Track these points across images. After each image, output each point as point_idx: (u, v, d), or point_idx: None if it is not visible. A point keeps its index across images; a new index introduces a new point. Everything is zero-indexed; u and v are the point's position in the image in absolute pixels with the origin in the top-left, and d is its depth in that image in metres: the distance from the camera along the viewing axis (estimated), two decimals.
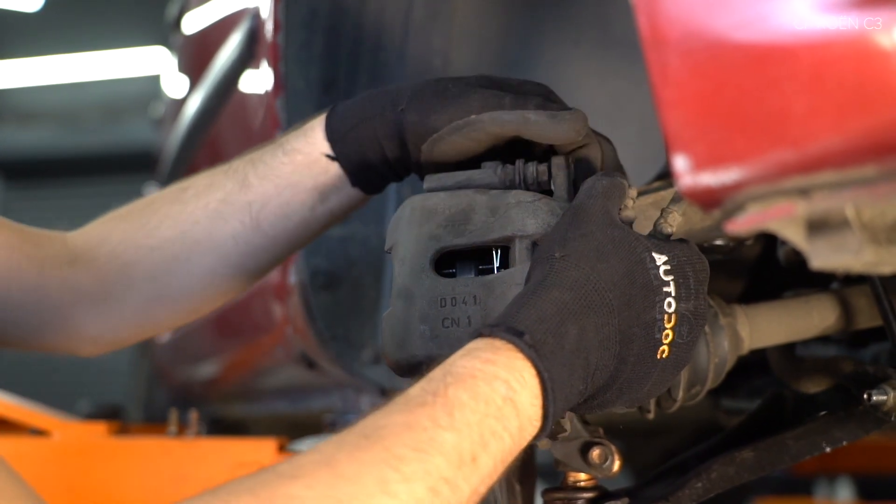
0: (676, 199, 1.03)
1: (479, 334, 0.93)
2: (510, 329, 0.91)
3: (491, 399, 0.87)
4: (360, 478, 0.81)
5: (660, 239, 1.01)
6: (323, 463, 0.82)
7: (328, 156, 1.19)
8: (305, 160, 1.20)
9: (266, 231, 1.22)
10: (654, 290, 0.97)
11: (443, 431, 0.85)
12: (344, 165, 1.19)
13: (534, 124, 1.09)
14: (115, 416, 2.82)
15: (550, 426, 0.91)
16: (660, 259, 0.98)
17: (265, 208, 1.21)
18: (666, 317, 0.97)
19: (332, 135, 1.19)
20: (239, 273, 1.25)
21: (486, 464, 0.87)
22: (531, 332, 0.90)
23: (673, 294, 0.97)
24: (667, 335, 0.97)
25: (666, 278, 0.97)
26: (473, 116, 1.11)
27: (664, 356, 0.98)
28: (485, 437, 0.86)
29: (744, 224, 0.72)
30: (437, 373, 0.90)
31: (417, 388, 0.88)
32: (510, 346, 0.90)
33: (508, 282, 1.04)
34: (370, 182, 1.21)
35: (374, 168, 1.18)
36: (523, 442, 0.90)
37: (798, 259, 1.32)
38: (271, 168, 1.21)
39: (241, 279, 1.26)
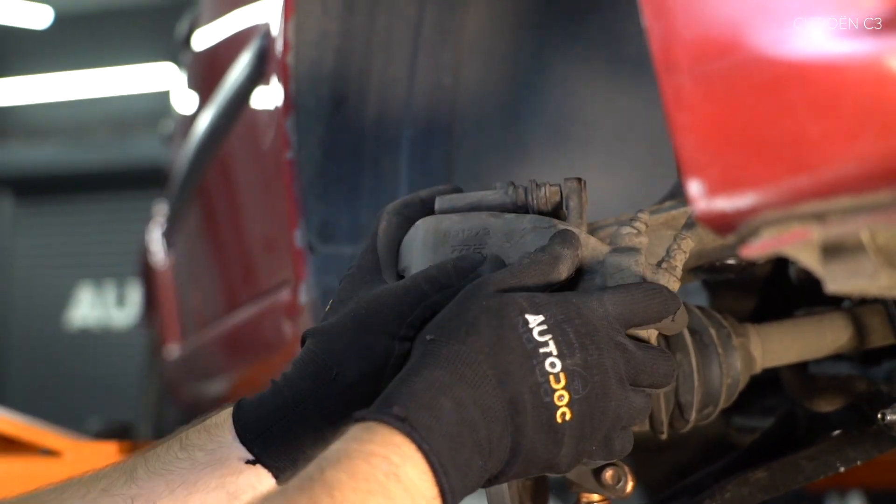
0: (689, 224, 1.03)
1: (352, 420, 0.89)
2: (381, 409, 0.88)
3: (371, 476, 0.84)
4: None
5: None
6: None
7: (248, 461, 1.07)
8: (208, 459, 1.08)
9: None
10: (530, 353, 0.92)
11: None
12: (271, 467, 1.06)
13: None
14: (125, 435, 2.82)
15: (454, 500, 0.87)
16: (534, 320, 0.94)
17: None
18: (552, 378, 0.92)
19: (246, 435, 1.07)
20: None
21: None
22: (402, 408, 0.87)
23: (554, 353, 0.93)
24: (560, 396, 0.92)
25: (541, 339, 0.93)
26: None
27: (568, 419, 0.93)
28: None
29: (759, 249, 0.72)
30: (312, 462, 0.86)
31: (295, 478, 0.85)
32: (382, 425, 0.87)
33: None
34: None
35: (309, 460, 1.04)
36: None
37: (810, 277, 1.32)
38: (164, 463, 1.08)
39: None
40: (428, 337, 0.94)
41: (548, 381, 0.92)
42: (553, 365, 0.92)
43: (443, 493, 0.86)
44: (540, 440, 0.93)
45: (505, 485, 1.16)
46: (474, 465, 0.89)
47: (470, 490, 0.90)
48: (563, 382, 0.92)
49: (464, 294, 0.97)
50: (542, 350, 0.93)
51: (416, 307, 1.03)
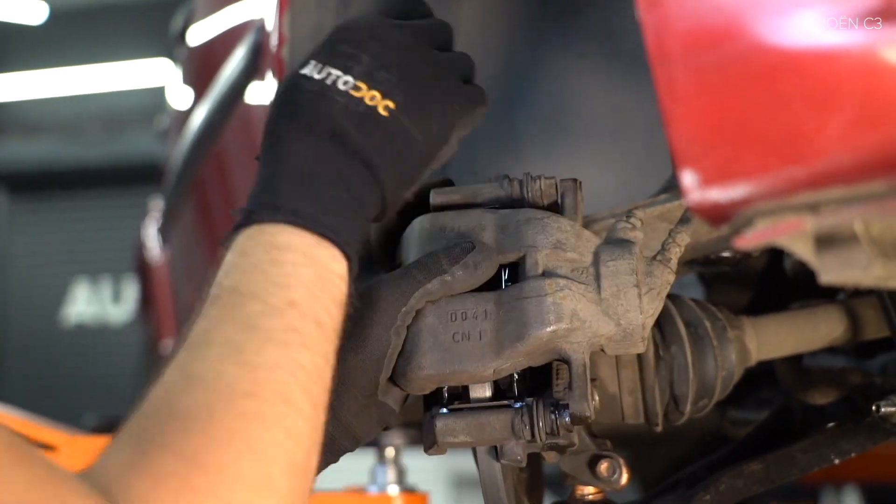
0: (685, 218, 1.03)
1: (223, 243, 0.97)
2: (244, 216, 0.95)
3: (257, 258, 0.91)
4: (222, 372, 0.84)
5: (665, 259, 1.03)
6: (185, 379, 0.85)
7: None
8: None
9: None
10: (320, 91, 0.99)
11: (244, 305, 0.88)
12: None
13: (457, 281, 1.06)
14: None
15: (345, 234, 0.95)
16: (308, 69, 1.01)
17: None
18: (351, 91, 0.99)
19: None
20: None
21: (307, 297, 0.90)
22: (257, 202, 0.95)
23: (336, 73, 1.00)
24: (371, 97, 0.99)
25: (320, 75, 1.00)
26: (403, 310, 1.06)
27: (393, 107, 1.00)
28: (280, 283, 0.89)
29: (752, 239, 0.72)
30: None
31: (205, 302, 0.92)
32: (246, 228, 0.94)
33: (518, 295, 1.04)
34: None
35: None
36: (326, 263, 0.93)
37: (805, 270, 1.32)
38: None
39: None
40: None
41: (349, 96, 0.99)
42: (346, 83, 0.99)
43: (318, 233, 0.94)
44: (388, 143, 1.00)
45: (500, 479, 1.16)
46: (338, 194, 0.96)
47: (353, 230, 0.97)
48: (363, 88, 0.99)
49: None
50: (326, 81, 0.99)
51: (408, 296, 1.04)
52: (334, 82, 0.99)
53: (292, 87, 1.01)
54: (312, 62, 1.01)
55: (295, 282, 0.90)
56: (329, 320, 0.92)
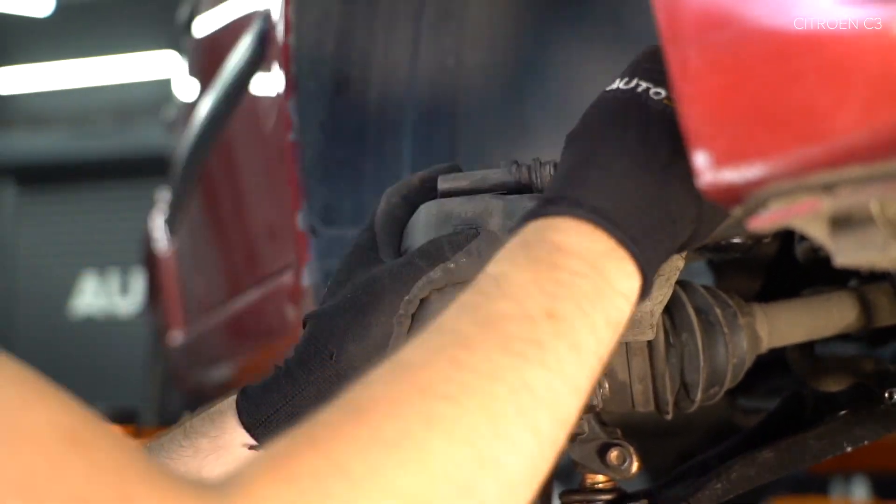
0: None
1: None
2: (537, 207, 0.84)
3: (537, 259, 0.79)
4: (432, 365, 0.72)
5: None
6: (393, 367, 0.74)
7: (251, 447, 1.05)
8: (212, 445, 1.06)
9: None
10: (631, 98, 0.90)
11: (497, 301, 0.76)
12: None
13: (460, 269, 1.01)
14: (130, 420, 2.82)
15: (647, 251, 0.81)
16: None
17: None
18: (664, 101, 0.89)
19: (249, 420, 1.06)
20: None
21: (573, 313, 0.76)
22: (553, 194, 0.83)
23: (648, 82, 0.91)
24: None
25: (628, 85, 0.91)
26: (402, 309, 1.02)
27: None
28: (549, 290, 0.77)
29: (767, 221, 0.71)
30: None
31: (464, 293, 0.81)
32: (531, 221, 0.83)
33: None
34: None
35: None
36: (612, 281, 0.80)
37: (816, 256, 1.31)
38: (168, 452, 1.06)
39: None
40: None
41: (663, 105, 0.87)
42: (657, 94, 0.88)
43: (621, 242, 0.81)
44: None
45: None
46: (638, 194, 0.84)
47: (661, 247, 0.84)
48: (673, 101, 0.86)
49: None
50: (637, 90, 0.89)
51: (412, 284, 1.02)
52: (646, 90, 0.89)
53: (606, 96, 0.91)
54: (618, 79, 0.92)
55: (565, 293, 0.77)
56: (592, 344, 0.78)
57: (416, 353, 0.74)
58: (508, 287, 0.77)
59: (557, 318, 0.76)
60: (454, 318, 0.76)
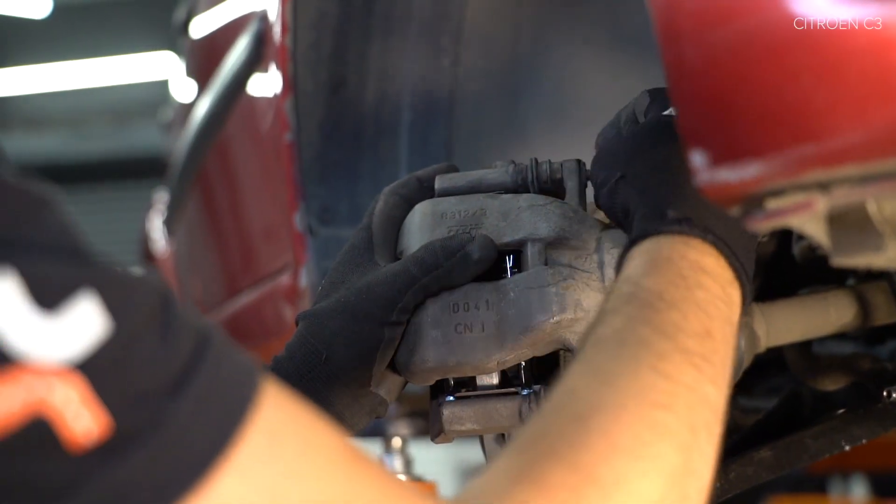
0: None
1: (622, 258, 0.90)
2: (647, 226, 0.88)
3: (682, 275, 0.83)
4: (637, 374, 0.76)
5: None
6: (592, 377, 0.77)
7: None
8: None
9: None
10: None
11: (667, 313, 0.81)
12: None
13: (453, 275, 1.03)
14: None
15: (749, 283, 0.87)
16: None
17: None
18: None
19: None
20: None
21: (721, 333, 0.82)
22: (668, 209, 0.87)
23: None
24: None
25: None
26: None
27: None
28: (703, 308, 0.82)
29: (763, 220, 0.71)
30: (611, 292, 0.86)
31: (608, 302, 0.85)
32: (662, 236, 0.87)
33: (522, 285, 1.02)
34: None
35: None
36: (735, 309, 0.86)
37: (814, 255, 1.31)
38: None
39: None
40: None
41: None
42: None
43: (737, 274, 0.87)
44: None
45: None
46: (741, 233, 0.88)
47: (751, 266, 0.90)
48: None
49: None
50: None
51: (405, 292, 1.03)
52: None
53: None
54: None
55: (715, 312, 0.83)
56: (728, 366, 0.83)
57: (615, 362, 0.78)
58: (672, 300, 0.82)
59: (712, 337, 0.81)
60: (634, 329, 0.80)
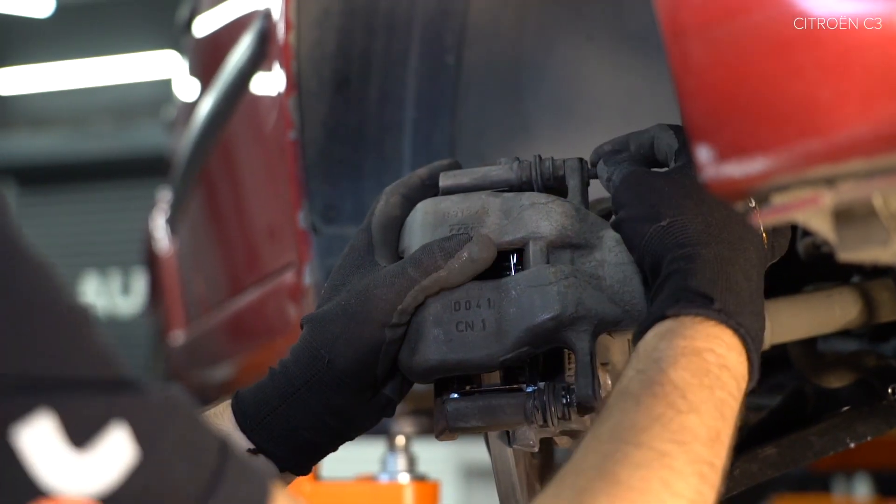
0: None
1: (658, 318, 0.92)
2: (692, 302, 0.91)
3: (708, 371, 0.87)
4: (647, 485, 0.81)
5: None
6: (602, 479, 0.81)
7: (249, 449, 1.06)
8: None
9: None
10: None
11: (686, 416, 0.84)
12: (272, 455, 1.06)
13: (452, 275, 1.04)
14: None
15: (757, 375, 0.91)
16: None
17: None
18: None
19: (245, 423, 1.07)
20: None
21: (727, 435, 0.86)
22: (712, 296, 0.90)
23: None
24: None
25: None
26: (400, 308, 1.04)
27: None
28: (719, 409, 0.86)
29: (769, 215, 0.70)
30: (641, 362, 0.89)
31: (633, 382, 0.88)
32: (700, 318, 0.90)
33: (524, 284, 1.02)
34: (302, 464, 1.09)
35: (310, 446, 1.08)
36: (740, 398, 0.90)
37: (818, 252, 1.31)
38: None
39: None
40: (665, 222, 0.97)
41: None
42: None
43: (752, 368, 0.91)
44: None
45: (512, 464, 1.15)
46: (761, 327, 0.94)
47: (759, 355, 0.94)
48: None
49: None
50: None
51: (404, 294, 1.03)
52: None
53: None
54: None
55: (729, 414, 0.88)
56: (724, 461, 0.87)
57: (627, 471, 0.81)
58: (693, 402, 0.85)
59: (720, 442, 0.86)
60: (649, 429, 0.84)
